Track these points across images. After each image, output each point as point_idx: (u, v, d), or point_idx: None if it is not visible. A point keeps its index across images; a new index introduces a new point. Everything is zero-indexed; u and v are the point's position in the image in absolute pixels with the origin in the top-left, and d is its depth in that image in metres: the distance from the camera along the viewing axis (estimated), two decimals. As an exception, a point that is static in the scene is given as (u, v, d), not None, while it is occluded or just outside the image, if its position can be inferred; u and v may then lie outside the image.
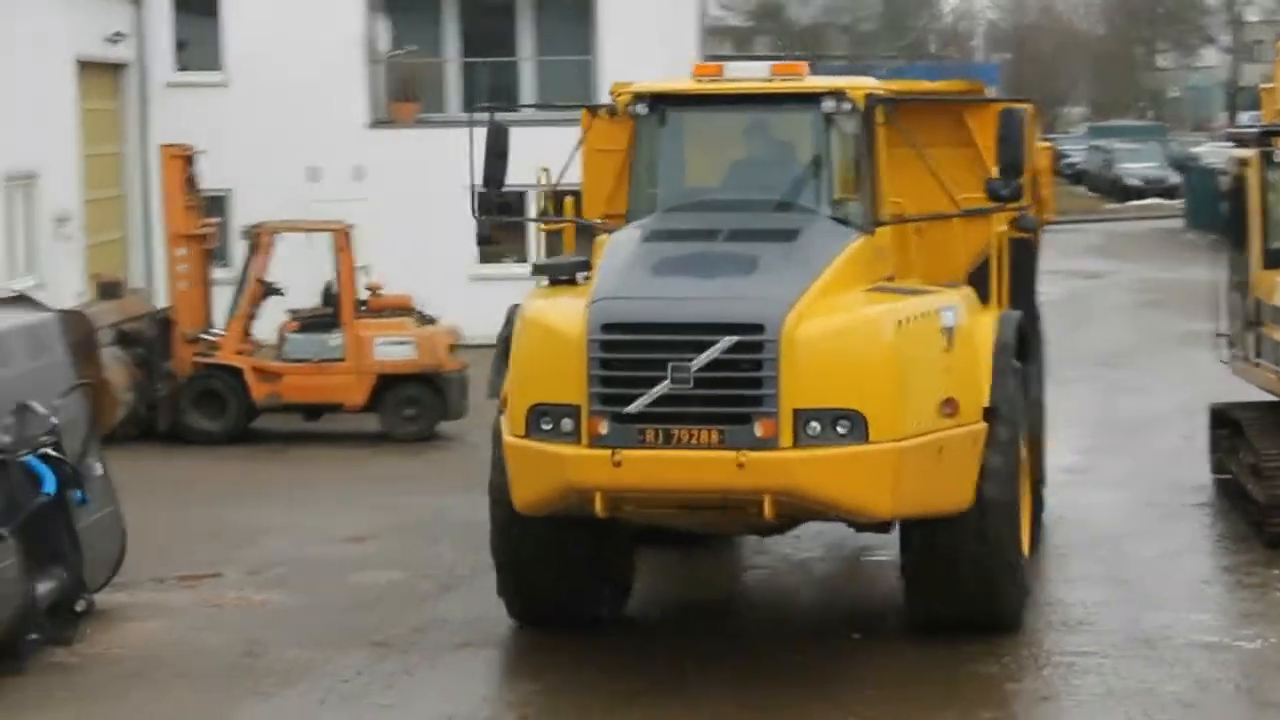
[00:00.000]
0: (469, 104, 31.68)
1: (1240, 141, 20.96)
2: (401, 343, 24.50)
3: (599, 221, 15.96)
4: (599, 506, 13.56)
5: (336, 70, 33.86)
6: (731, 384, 13.29)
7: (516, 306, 14.69)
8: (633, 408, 13.30)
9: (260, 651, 14.95)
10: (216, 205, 29.71)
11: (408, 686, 14.12)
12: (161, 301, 26.94)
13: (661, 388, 13.24)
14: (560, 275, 14.92)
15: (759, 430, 13.23)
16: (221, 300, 25.17)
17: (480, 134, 15.22)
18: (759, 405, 13.25)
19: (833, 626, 15.68)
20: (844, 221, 14.63)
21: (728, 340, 13.23)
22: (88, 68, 31.34)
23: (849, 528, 15.39)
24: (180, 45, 34.48)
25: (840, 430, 13.29)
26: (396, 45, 35.78)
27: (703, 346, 13.22)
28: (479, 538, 15.51)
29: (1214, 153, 56.06)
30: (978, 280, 15.77)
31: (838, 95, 14.80)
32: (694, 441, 13.29)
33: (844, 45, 78.56)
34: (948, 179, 15.46)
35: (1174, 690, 13.76)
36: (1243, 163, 19.76)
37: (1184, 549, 18.31)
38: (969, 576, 14.47)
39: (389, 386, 24.51)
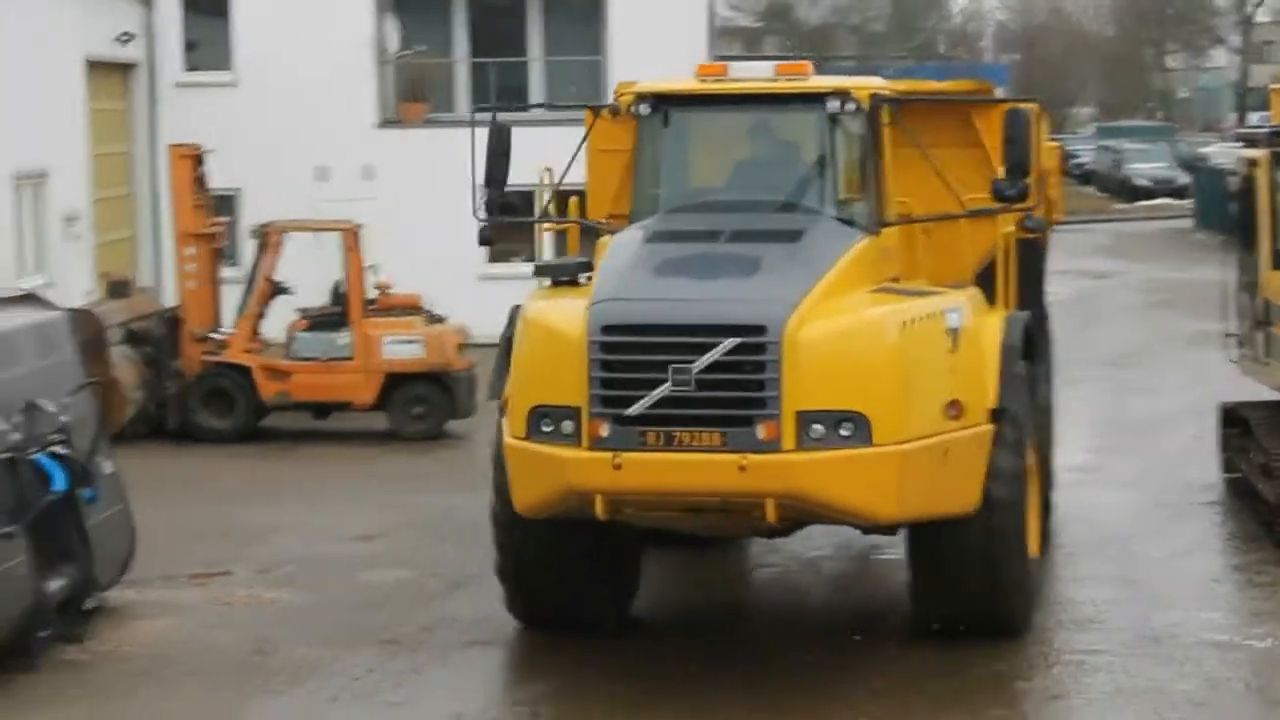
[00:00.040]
0: (478, 104, 31.66)
1: (1250, 142, 20.95)
2: (410, 341, 24.53)
3: (600, 222, 15.87)
4: (599, 509, 13.44)
5: (345, 70, 33.89)
6: (733, 386, 13.17)
7: (518, 308, 14.60)
8: (633, 410, 13.18)
9: (270, 649, 14.97)
10: (225, 204, 29.77)
11: (417, 685, 14.13)
12: (170, 300, 26.96)
13: (662, 390, 13.12)
14: (562, 276, 14.83)
15: (761, 433, 13.11)
16: (230, 299, 25.21)
17: (483, 134, 15.13)
18: (761, 407, 13.11)
19: (842, 626, 15.66)
20: (849, 222, 14.48)
21: (729, 342, 13.10)
22: (97, 67, 31.39)
23: (855, 529, 15.30)
24: (190, 45, 34.52)
25: (844, 433, 13.16)
26: (405, 45, 35.80)
27: (704, 348, 13.10)
28: (488, 536, 15.50)
29: (1223, 153, 56.06)
30: (985, 281, 15.66)
31: (842, 95, 14.66)
32: (695, 444, 13.16)
33: (853, 46, 78.67)
34: (955, 179, 15.33)
35: (1184, 689, 13.74)
36: (1252, 163, 19.74)
37: (1194, 548, 18.30)
38: (975, 578, 14.35)
39: (397, 385, 24.53)
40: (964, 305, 14.47)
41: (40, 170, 28.59)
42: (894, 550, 16.97)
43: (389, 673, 14.35)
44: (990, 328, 14.80)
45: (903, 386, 13.47)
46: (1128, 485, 21.15)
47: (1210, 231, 50.04)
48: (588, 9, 35.25)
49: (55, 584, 14.83)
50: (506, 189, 15.16)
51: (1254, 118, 53.69)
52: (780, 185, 14.96)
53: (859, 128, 14.77)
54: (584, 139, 16.10)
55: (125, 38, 32.51)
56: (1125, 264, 48.04)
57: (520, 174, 15.39)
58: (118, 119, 32.94)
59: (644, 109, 15.00)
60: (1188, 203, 61.98)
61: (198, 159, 24.98)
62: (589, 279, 14.44)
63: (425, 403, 24.59)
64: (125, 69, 33.29)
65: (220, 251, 25.42)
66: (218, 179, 26.06)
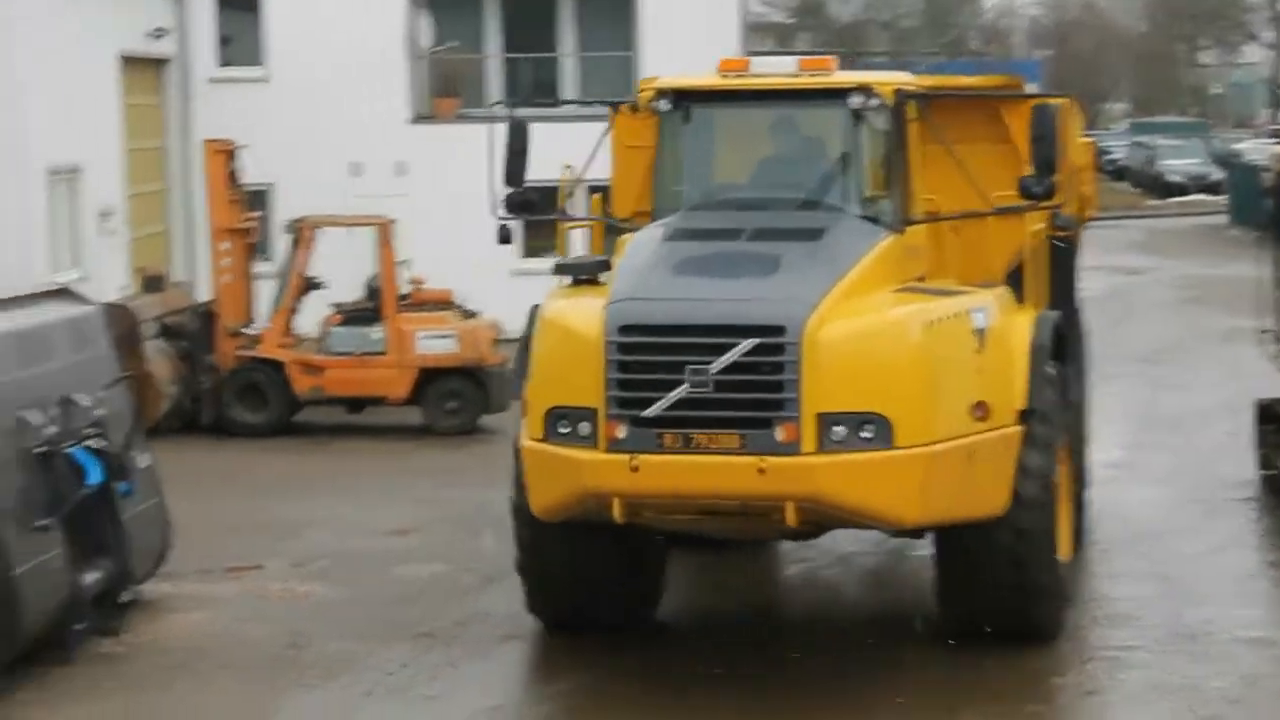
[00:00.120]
0: (500, 100, 31.72)
1: (1284, 137, 20.87)
2: (443, 336, 24.55)
3: (620, 220, 15.67)
4: (617, 512, 13.27)
5: (378, 66, 33.91)
6: (752, 387, 12.98)
7: (537, 307, 14.38)
8: (651, 411, 13.01)
9: (304, 643, 15.00)
10: (259, 200, 29.83)
11: (452, 679, 14.15)
12: (204, 295, 27.03)
13: (680, 391, 12.95)
14: (581, 275, 14.60)
15: (780, 435, 12.93)
16: (264, 294, 25.27)
17: (503, 131, 14.93)
18: (780, 409, 12.93)
19: (873, 622, 15.65)
20: (873, 220, 14.24)
21: (748, 342, 12.92)
22: (131, 63, 31.47)
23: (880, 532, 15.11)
24: (223, 41, 34.59)
25: (865, 435, 12.96)
26: (438, 41, 35.84)
27: (722, 349, 12.92)
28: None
29: (1257, 149, 55.84)
30: (1016, 280, 15.39)
31: (865, 91, 14.41)
32: (713, 446, 12.98)
33: (885, 42, 78.51)
34: (984, 176, 14.99)
35: (1219, 686, 13.68)
36: (1286, 159, 19.68)
37: (1228, 544, 18.22)
38: (1004, 580, 14.08)
39: (431, 380, 24.57)
40: (991, 305, 14.23)
41: (75, 165, 28.67)
42: (926, 547, 16.92)
43: (423, 667, 14.37)
44: (1019, 327, 14.55)
45: (926, 387, 13.26)
46: (1162, 481, 21.09)
47: (1244, 228, 49.80)
48: (620, 5, 35.22)
49: (91, 577, 14.88)
50: (526, 186, 14.91)
51: (1287, 114, 53.49)
52: (803, 182, 14.74)
53: (883, 123, 14.52)
54: (603, 135, 15.98)
55: (158, 33, 32.59)
56: (1159, 260, 47.88)
57: (548, 170, 15.29)
58: (151, 114, 33.02)
59: (664, 105, 14.77)
60: (1221, 199, 61.73)
61: (231, 154, 25.07)
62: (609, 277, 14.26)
63: (459, 397, 24.61)
64: (159, 64, 33.37)
65: (254, 246, 25.51)
66: (251, 174, 26.11)
